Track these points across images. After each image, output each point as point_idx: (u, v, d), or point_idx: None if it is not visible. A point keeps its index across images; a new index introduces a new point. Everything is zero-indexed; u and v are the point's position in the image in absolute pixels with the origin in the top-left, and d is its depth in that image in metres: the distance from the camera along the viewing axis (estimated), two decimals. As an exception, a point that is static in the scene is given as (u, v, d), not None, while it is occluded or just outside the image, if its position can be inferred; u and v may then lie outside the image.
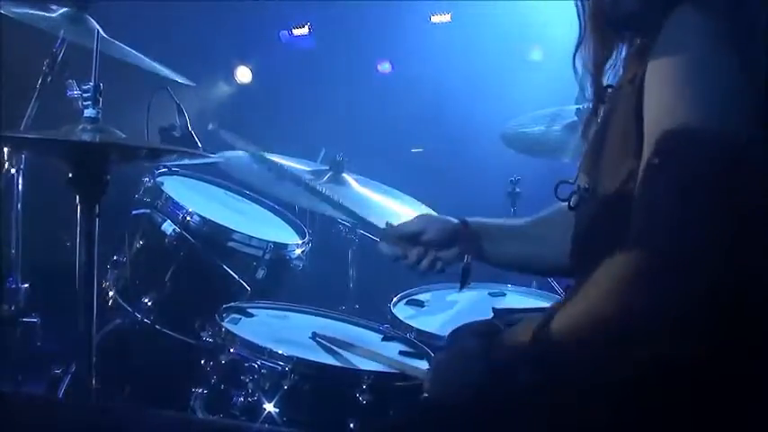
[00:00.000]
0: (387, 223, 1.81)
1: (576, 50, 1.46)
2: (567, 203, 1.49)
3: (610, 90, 1.42)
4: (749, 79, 1.11)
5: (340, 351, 1.96)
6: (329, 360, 1.92)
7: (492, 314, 1.74)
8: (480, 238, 1.73)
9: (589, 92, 1.47)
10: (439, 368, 1.48)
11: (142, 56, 2.60)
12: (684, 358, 1.11)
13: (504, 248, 1.75)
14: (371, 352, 1.92)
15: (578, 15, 1.45)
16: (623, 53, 1.43)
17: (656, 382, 1.13)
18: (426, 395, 1.52)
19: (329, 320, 2.29)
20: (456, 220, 1.76)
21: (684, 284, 1.05)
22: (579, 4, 1.44)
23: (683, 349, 1.10)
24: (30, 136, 2.06)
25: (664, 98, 1.14)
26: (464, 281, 1.80)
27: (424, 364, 1.97)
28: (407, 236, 1.75)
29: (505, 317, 1.67)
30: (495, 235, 1.74)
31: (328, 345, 1.98)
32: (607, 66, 1.44)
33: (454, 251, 1.74)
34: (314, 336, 2.01)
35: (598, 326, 1.12)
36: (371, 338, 2.18)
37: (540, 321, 1.20)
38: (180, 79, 2.69)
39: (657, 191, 1.10)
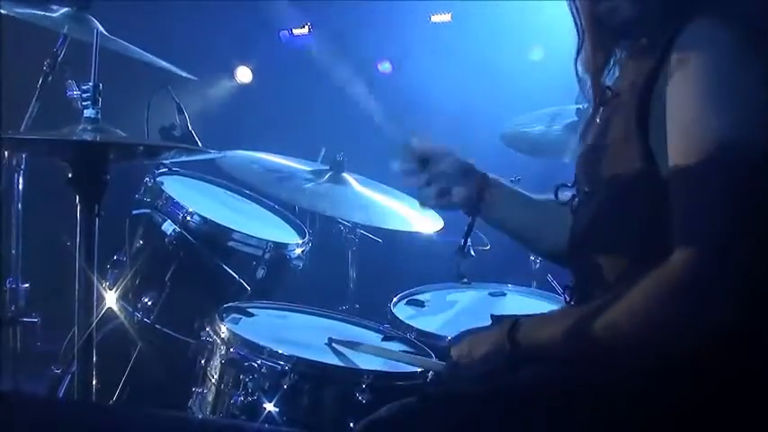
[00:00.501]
0: (409, 140, 1.75)
1: (577, 55, 1.47)
2: (566, 205, 1.50)
3: (609, 93, 1.43)
4: None
5: (350, 352, 1.96)
6: (330, 359, 1.92)
7: (490, 321, 1.73)
8: (495, 191, 1.69)
9: (589, 95, 1.48)
10: (461, 349, 1.44)
11: (143, 51, 2.60)
12: (730, 368, 1.13)
13: (511, 212, 1.70)
14: (382, 349, 1.92)
15: (574, 21, 1.46)
16: (620, 57, 1.43)
17: (697, 389, 1.16)
18: (436, 385, 1.51)
19: (329, 320, 2.29)
20: (473, 164, 1.71)
21: (726, 293, 1.07)
22: (574, 10, 1.44)
23: (730, 359, 1.12)
24: (30, 136, 2.07)
25: (695, 108, 1.15)
26: (466, 239, 1.76)
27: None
28: (425, 156, 1.70)
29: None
30: (509, 197, 1.70)
31: (342, 349, 1.97)
32: (607, 69, 1.45)
33: (464, 190, 1.67)
34: (330, 341, 2.00)
35: (642, 332, 1.14)
36: (371, 338, 2.18)
37: (577, 318, 1.21)
38: (182, 73, 2.69)
39: (702, 203, 1.12)
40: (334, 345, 1.99)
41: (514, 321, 1.32)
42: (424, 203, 1.71)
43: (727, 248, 1.08)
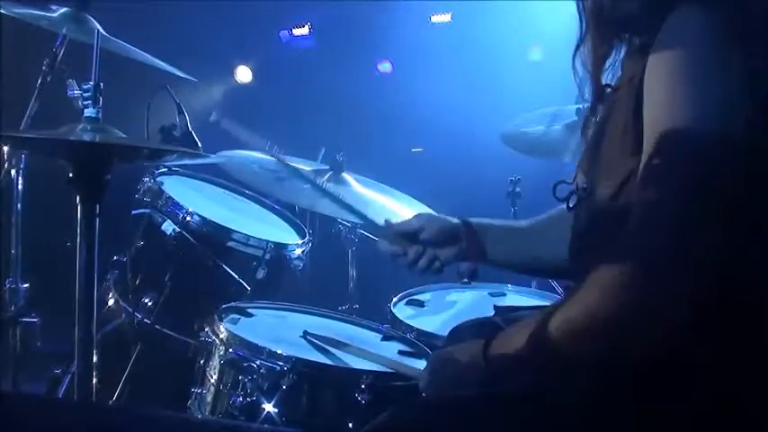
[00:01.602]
0: (386, 221, 1.81)
1: (576, 50, 1.46)
2: (565, 203, 1.49)
3: (609, 90, 1.42)
4: (750, 77, 1.11)
5: (333, 350, 1.96)
6: (326, 360, 1.92)
7: (493, 312, 1.74)
8: (482, 237, 1.72)
9: (588, 91, 1.47)
10: (435, 366, 1.47)
11: (142, 52, 2.60)
12: (682, 360, 1.11)
13: (506, 248, 1.74)
14: (365, 351, 1.92)
15: (579, 15, 1.45)
16: (622, 53, 1.43)
17: (653, 383, 1.14)
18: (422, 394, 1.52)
19: (329, 320, 2.28)
20: (456, 220, 1.76)
21: (682, 287, 1.05)
22: (580, 4, 1.44)
23: (681, 351, 1.10)
24: (30, 135, 2.06)
25: (663, 97, 1.14)
26: (469, 282, 1.79)
27: (423, 364, 1.97)
28: (406, 234, 1.74)
29: (506, 314, 1.67)
30: (497, 235, 1.73)
31: (319, 344, 1.97)
32: (606, 65, 1.44)
33: (453, 250, 1.73)
34: (305, 335, 2.01)
35: (595, 327, 1.12)
36: (371, 338, 2.18)
37: (537, 322, 1.20)
38: (181, 74, 2.69)
39: (657, 192, 1.09)
40: (308, 338, 1.99)
41: (487, 340, 1.31)
42: (420, 273, 1.76)
43: (680, 241, 1.05)
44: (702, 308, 1.05)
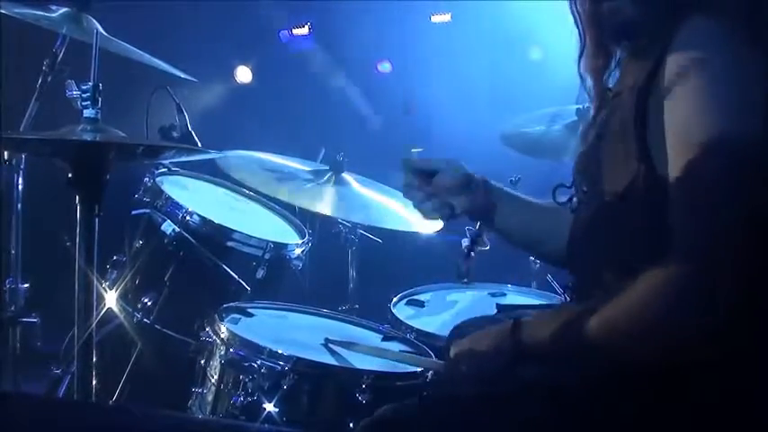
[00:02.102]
0: (411, 153, 1.74)
1: (580, 57, 1.47)
2: (565, 206, 1.49)
3: (609, 94, 1.43)
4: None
5: (348, 352, 1.96)
6: (330, 359, 1.92)
7: (496, 310, 1.73)
8: (496, 198, 1.68)
9: (591, 96, 1.48)
10: (459, 351, 1.41)
11: (142, 52, 2.60)
12: (724, 366, 1.13)
13: (514, 219, 1.69)
14: (379, 349, 1.92)
15: (575, 22, 1.46)
16: (622, 58, 1.43)
17: (693, 388, 1.15)
18: (436, 385, 1.50)
19: (329, 320, 2.29)
20: (478, 175, 1.69)
21: (729, 294, 1.06)
22: (575, 11, 1.44)
23: (723, 356, 1.11)
24: (30, 136, 2.07)
25: (692, 105, 1.14)
26: (472, 245, 1.75)
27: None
28: (424, 172, 1.68)
29: (509, 313, 1.66)
30: (510, 202, 1.69)
31: (340, 349, 1.97)
32: (609, 70, 1.45)
33: (466, 200, 1.66)
34: (326, 342, 2.00)
35: (637, 331, 1.13)
36: (371, 339, 2.18)
37: (576, 316, 1.19)
38: (181, 74, 2.69)
39: (700, 201, 1.10)
40: (330, 345, 1.99)
41: (516, 320, 1.31)
42: (425, 215, 1.69)
43: (723, 248, 1.07)
44: (744, 312, 1.06)
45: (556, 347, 1.22)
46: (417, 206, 1.67)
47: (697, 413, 1.16)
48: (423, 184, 1.67)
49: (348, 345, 1.96)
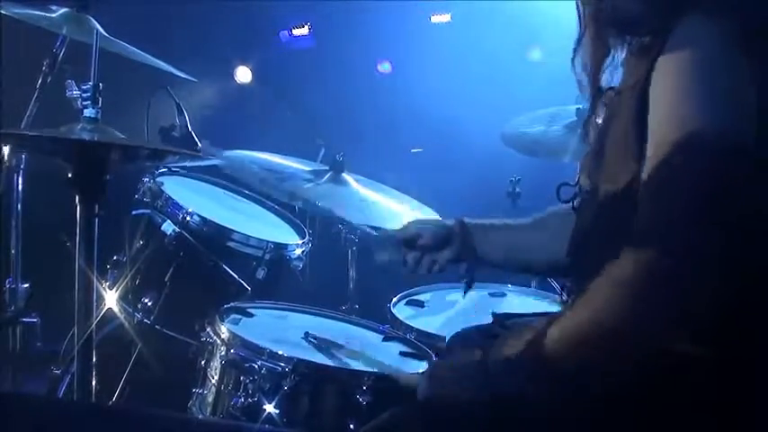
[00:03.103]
0: (381, 230, 1.83)
1: (575, 51, 1.46)
2: (565, 204, 1.50)
3: (611, 93, 1.42)
4: (760, 81, 1.11)
5: (332, 351, 1.96)
6: (328, 361, 1.92)
7: (491, 319, 1.73)
8: (476, 237, 1.73)
9: (587, 92, 1.47)
10: (434, 373, 1.44)
11: (142, 52, 2.60)
12: (695, 361, 1.11)
13: (499, 247, 1.74)
14: (359, 353, 1.92)
15: (578, 16, 1.45)
16: (622, 55, 1.43)
17: (666, 385, 1.14)
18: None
19: (329, 321, 2.28)
20: (451, 222, 1.76)
21: (695, 286, 1.05)
22: (580, 5, 1.44)
23: (694, 351, 1.10)
24: (29, 133, 2.07)
25: (672, 101, 1.14)
26: (468, 285, 1.80)
27: (424, 365, 1.98)
28: (403, 241, 1.76)
29: (505, 321, 1.67)
30: (490, 234, 1.74)
31: (321, 345, 1.98)
32: (605, 66, 1.44)
33: (450, 252, 1.74)
34: (306, 336, 2.01)
35: (604, 331, 1.11)
36: (372, 339, 2.18)
37: (541, 328, 1.19)
38: (181, 74, 2.69)
39: (666, 193, 1.09)
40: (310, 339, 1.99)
41: (483, 351, 1.30)
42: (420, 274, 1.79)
43: (681, 235, 1.05)
44: (715, 307, 1.05)
45: (523, 365, 1.20)
46: (410, 271, 1.77)
47: (688, 416, 1.15)
48: (406, 253, 1.76)
49: (331, 344, 1.98)
